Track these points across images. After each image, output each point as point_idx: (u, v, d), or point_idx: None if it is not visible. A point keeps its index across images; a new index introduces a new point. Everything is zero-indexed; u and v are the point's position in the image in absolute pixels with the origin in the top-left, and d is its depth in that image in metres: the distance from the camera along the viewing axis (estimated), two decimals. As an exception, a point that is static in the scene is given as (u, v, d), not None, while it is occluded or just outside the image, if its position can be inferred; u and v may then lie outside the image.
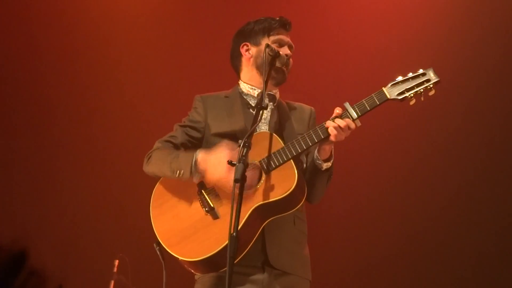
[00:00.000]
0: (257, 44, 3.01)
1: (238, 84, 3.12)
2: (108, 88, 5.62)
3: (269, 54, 2.85)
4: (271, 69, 2.88)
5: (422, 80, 2.67)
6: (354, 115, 2.69)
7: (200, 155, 2.76)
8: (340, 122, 2.67)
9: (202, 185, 2.80)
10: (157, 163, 2.88)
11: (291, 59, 3.02)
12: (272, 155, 2.72)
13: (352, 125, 2.69)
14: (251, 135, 2.58)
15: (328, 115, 2.76)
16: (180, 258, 2.72)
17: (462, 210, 4.91)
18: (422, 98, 2.68)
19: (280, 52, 2.90)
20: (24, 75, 5.66)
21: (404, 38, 5.17)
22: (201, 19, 5.63)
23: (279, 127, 2.95)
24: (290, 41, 3.05)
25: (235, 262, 2.36)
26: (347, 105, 2.71)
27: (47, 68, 5.67)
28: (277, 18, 3.05)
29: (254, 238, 2.68)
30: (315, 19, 5.27)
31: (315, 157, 2.83)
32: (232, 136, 2.82)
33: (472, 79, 5.03)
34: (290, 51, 3.03)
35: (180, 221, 2.79)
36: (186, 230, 2.76)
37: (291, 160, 2.71)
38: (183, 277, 3.04)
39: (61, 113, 5.65)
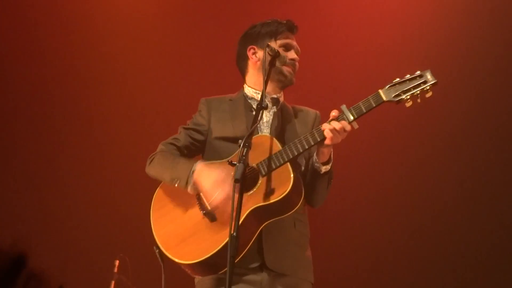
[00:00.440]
0: (263, 47, 2.96)
1: (243, 87, 3.13)
2: (109, 88, 5.63)
3: (268, 53, 2.86)
4: (271, 69, 2.88)
5: (419, 82, 2.65)
6: (350, 117, 2.69)
7: (198, 167, 2.79)
8: (336, 125, 2.68)
9: None
10: (157, 168, 2.92)
11: (297, 63, 3.04)
12: (269, 158, 2.73)
13: (348, 128, 2.69)
14: (251, 135, 2.59)
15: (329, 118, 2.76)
16: (177, 260, 2.73)
17: (463, 211, 4.89)
18: (419, 100, 2.66)
19: (280, 52, 2.91)
20: (25, 75, 5.67)
21: (404, 39, 5.16)
22: (207, 20, 5.61)
23: (281, 130, 2.96)
24: (297, 45, 3.07)
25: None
26: (343, 107, 2.71)
27: (48, 69, 5.68)
28: (284, 22, 3.05)
29: (252, 241, 2.69)
30: (315, 20, 5.24)
31: (314, 160, 2.83)
32: (234, 140, 2.82)
33: (471, 79, 5.01)
34: (297, 55, 3.05)
35: (178, 224, 2.81)
36: (183, 233, 2.78)
37: (288, 163, 2.71)
38: (183, 280, 3.05)
39: (62, 114, 5.66)
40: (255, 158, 2.73)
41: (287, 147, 2.73)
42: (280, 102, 3.07)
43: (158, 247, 2.79)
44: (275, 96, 3.05)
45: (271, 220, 2.71)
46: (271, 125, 2.99)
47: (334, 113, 2.73)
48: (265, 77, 2.81)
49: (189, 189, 2.78)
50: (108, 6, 5.74)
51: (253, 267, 2.76)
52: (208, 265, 2.70)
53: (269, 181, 2.70)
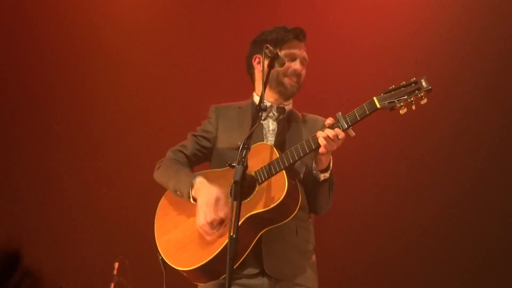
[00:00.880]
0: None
1: (252, 95, 3.15)
2: (110, 88, 5.61)
3: (267, 55, 2.81)
4: (270, 71, 2.84)
5: (414, 89, 2.65)
6: (345, 125, 2.69)
7: (197, 181, 2.81)
8: (329, 132, 2.68)
9: None
10: (163, 176, 2.97)
11: (303, 72, 3.03)
12: (267, 166, 2.75)
13: (341, 135, 2.69)
14: (250, 136, 2.60)
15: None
16: (175, 267, 2.77)
17: (464, 212, 4.91)
18: (414, 107, 2.66)
19: (280, 54, 2.85)
20: (25, 75, 5.65)
21: (404, 41, 5.13)
22: (217, 23, 5.56)
23: (286, 138, 2.97)
24: (304, 54, 3.03)
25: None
26: (339, 115, 2.72)
27: (48, 69, 5.67)
28: (291, 29, 3.02)
29: (249, 249, 2.71)
30: (315, 21, 5.21)
31: (313, 168, 2.85)
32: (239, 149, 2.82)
33: (471, 80, 5.00)
34: (302, 65, 3.03)
35: (178, 231, 2.85)
36: (183, 240, 2.81)
37: (283, 171, 2.73)
38: (184, 286, 3.09)
39: (61, 113, 5.65)
40: (254, 166, 2.75)
41: (283, 155, 2.75)
42: (287, 111, 3.07)
43: (161, 255, 2.83)
44: (281, 105, 3.05)
45: (269, 228, 2.73)
46: (276, 133, 3.00)
47: (329, 120, 2.74)
48: (264, 79, 2.77)
49: (191, 201, 2.83)
50: (116, 7, 5.69)
51: (253, 273, 2.77)
52: (207, 271, 2.73)
53: (265, 189, 2.72)
